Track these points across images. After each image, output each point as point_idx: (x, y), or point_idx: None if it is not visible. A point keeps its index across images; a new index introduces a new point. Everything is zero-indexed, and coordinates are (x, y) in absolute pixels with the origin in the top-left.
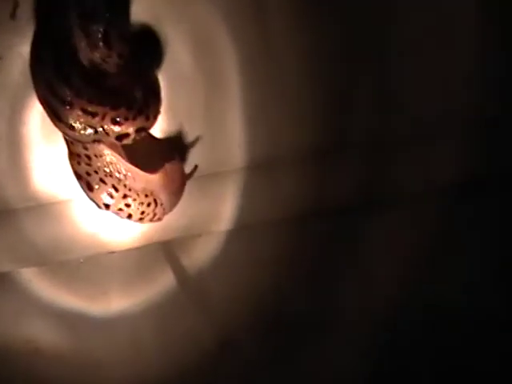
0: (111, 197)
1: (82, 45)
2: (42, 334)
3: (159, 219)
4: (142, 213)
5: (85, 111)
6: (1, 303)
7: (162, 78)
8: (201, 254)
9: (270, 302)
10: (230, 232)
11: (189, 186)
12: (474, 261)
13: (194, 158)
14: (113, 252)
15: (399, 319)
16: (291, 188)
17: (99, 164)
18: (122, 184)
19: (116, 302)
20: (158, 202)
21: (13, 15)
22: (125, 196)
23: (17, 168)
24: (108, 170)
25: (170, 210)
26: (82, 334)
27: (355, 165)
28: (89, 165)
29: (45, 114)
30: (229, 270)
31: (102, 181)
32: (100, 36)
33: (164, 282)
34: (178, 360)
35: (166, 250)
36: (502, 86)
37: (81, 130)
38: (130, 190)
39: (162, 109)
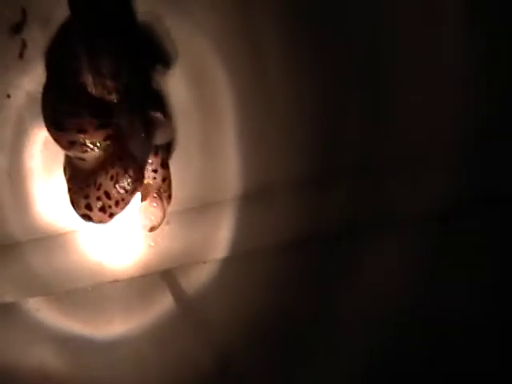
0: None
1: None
2: (49, 361)
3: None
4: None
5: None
6: (9, 332)
7: None
8: (198, 282)
9: (267, 325)
10: (226, 260)
11: (185, 216)
12: (463, 280)
13: (190, 187)
14: (116, 280)
15: (397, 339)
16: (286, 215)
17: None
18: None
19: (120, 329)
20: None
21: (21, 55)
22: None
23: (21, 201)
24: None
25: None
26: (87, 361)
27: (348, 191)
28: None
29: (48, 148)
30: (227, 296)
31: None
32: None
33: (164, 308)
34: (179, 382)
35: (166, 278)
36: (489, 113)
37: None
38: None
39: None
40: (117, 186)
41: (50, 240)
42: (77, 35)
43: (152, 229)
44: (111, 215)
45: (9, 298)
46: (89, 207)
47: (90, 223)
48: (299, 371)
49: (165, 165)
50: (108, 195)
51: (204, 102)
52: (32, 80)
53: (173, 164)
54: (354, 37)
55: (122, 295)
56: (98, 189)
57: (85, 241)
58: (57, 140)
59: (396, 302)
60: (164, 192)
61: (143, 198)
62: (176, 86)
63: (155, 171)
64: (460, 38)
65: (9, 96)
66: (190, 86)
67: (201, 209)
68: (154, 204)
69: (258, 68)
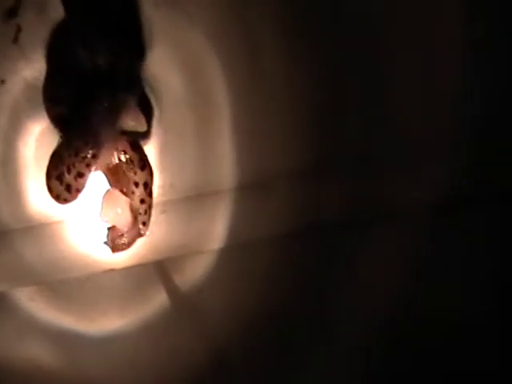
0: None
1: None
2: (40, 352)
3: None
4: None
5: None
6: None
7: (155, 103)
8: (194, 272)
9: (262, 318)
10: (222, 250)
11: (181, 206)
12: (463, 274)
13: (186, 178)
14: (111, 270)
15: (392, 332)
16: (281, 207)
17: None
18: None
19: (112, 321)
20: None
21: (15, 39)
22: None
23: (12, 190)
24: None
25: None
26: (79, 352)
27: (344, 183)
28: None
29: (43, 135)
30: (222, 288)
31: None
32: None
33: (159, 300)
34: (174, 377)
35: (159, 269)
36: (492, 107)
37: None
38: None
39: (156, 131)
40: (69, 150)
41: (43, 229)
42: (72, 29)
43: (116, 247)
44: (68, 187)
45: None
46: (48, 176)
47: (55, 200)
48: (295, 366)
49: (148, 188)
50: (62, 160)
51: (199, 92)
52: (27, 65)
53: (169, 153)
54: (353, 35)
55: (116, 285)
56: (55, 155)
57: (75, 230)
58: (48, 112)
59: (393, 296)
60: (139, 215)
61: (113, 184)
62: (173, 79)
63: (136, 184)
64: (461, 36)
65: (3, 81)
66: (187, 79)
67: (197, 198)
68: (124, 199)
69: (254, 59)
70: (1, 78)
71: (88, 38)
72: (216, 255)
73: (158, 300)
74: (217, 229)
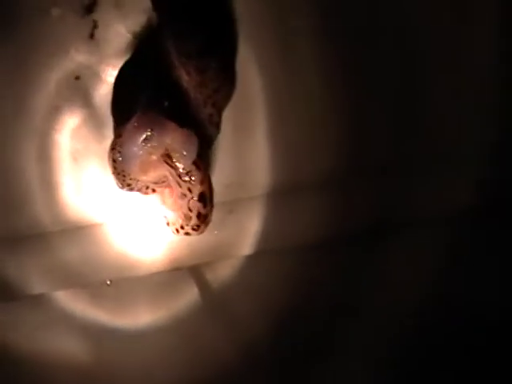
0: None
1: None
2: (78, 352)
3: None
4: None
5: None
6: (38, 323)
7: None
8: (226, 277)
9: (291, 322)
10: (254, 256)
11: (216, 210)
12: (491, 281)
13: (218, 183)
14: (147, 273)
15: (418, 342)
16: (313, 213)
17: None
18: None
19: (147, 322)
20: None
21: (91, 35)
22: None
23: (51, 192)
24: None
25: None
26: (116, 352)
27: (376, 190)
28: None
29: (84, 137)
30: (252, 292)
31: None
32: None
33: (192, 303)
34: (203, 376)
35: (194, 272)
36: None
37: None
38: None
39: None
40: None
41: (78, 231)
42: (160, 19)
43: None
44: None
45: (38, 290)
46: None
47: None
48: (325, 368)
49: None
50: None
51: (235, 98)
52: (101, 61)
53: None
54: (389, 36)
55: (151, 289)
56: None
57: (113, 233)
58: None
59: (421, 302)
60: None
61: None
62: None
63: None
64: (491, 38)
65: (78, 78)
66: None
67: (228, 205)
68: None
69: (290, 64)
70: (75, 74)
71: (180, 27)
72: (248, 260)
73: (190, 303)
74: (249, 234)
